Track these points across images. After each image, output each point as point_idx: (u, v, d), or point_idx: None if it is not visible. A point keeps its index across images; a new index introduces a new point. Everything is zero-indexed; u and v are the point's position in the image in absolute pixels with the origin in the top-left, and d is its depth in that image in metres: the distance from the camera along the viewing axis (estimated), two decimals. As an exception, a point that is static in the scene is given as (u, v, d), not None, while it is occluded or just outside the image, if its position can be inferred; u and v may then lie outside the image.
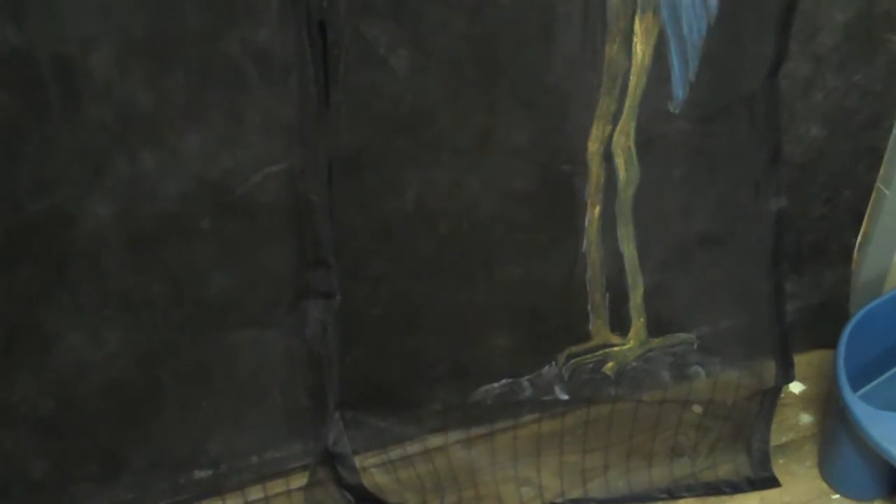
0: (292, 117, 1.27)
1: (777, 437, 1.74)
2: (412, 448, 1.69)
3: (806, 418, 1.79)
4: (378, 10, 1.20)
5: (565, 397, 1.65)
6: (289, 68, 1.23)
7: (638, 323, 1.59)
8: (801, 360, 1.72)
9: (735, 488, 1.67)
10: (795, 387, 1.83)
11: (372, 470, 1.68)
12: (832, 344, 1.57)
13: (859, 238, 1.71)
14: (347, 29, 1.22)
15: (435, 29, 1.23)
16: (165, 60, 1.17)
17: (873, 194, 1.64)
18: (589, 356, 1.62)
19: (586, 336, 1.60)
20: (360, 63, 1.24)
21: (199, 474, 1.58)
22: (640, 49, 1.30)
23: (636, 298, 1.56)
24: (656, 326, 1.62)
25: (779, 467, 1.70)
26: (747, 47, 1.36)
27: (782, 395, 1.71)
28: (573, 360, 1.62)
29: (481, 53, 1.26)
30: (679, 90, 1.36)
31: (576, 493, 1.67)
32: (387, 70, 1.25)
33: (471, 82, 1.29)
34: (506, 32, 1.25)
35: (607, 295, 1.56)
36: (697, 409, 1.74)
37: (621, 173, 1.42)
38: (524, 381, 1.63)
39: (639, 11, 1.27)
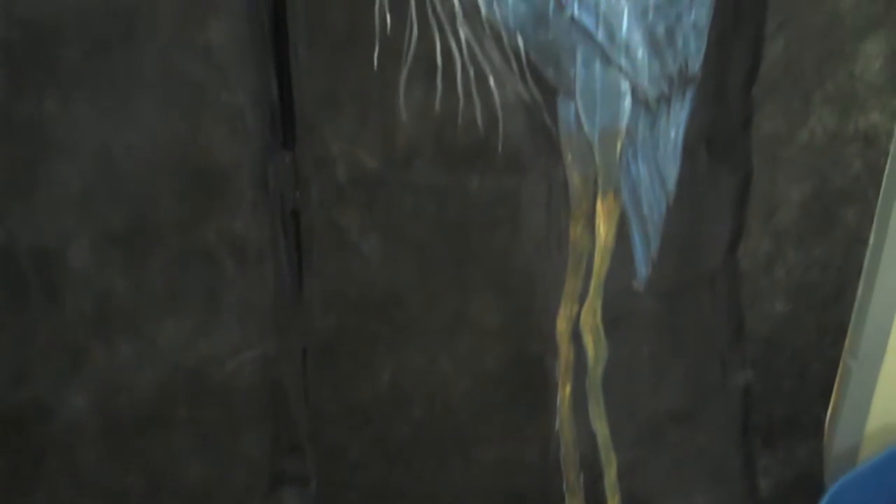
0: (267, 304, 1.30)
1: None
2: None
3: None
4: (350, 198, 1.25)
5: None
6: (263, 256, 1.27)
7: (613, 501, 1.59)
8: (779, 536, 1.71)
9: None
10: (775, 564, 1.81)
11: None
12: (809, 519, 1.56)
13: (829, 411, 1.72)
14: (320, 217, 1.26)
15: (406, 215, 1.28)
16: (143, 251, 1.20)
17: (840, 367, 1.67)
18: (568, 539, 1.61)
19: (564, 517, 1.59)
20: (332, 249, 1.28)
21: None
22: (604, 229, 1.35)
23: (610, 476, 1.56)
24: (631, 505, 1.61)
25: None
26: (706, 225, 1.41)
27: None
28: (552, 543, 1.61)
29: (451, 238, 1.31)
30: (643, 268, 1.40)
31: None
32: (359, 256, 1.29)
33: (441, 266, 1.33)
34: (474, 218, 1.30)
35: (582, 474, 1.56)
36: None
37: (590, 352, 1.45)
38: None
39: (600, 193, 1.32)
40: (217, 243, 1.23)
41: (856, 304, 1.58)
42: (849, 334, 1.61)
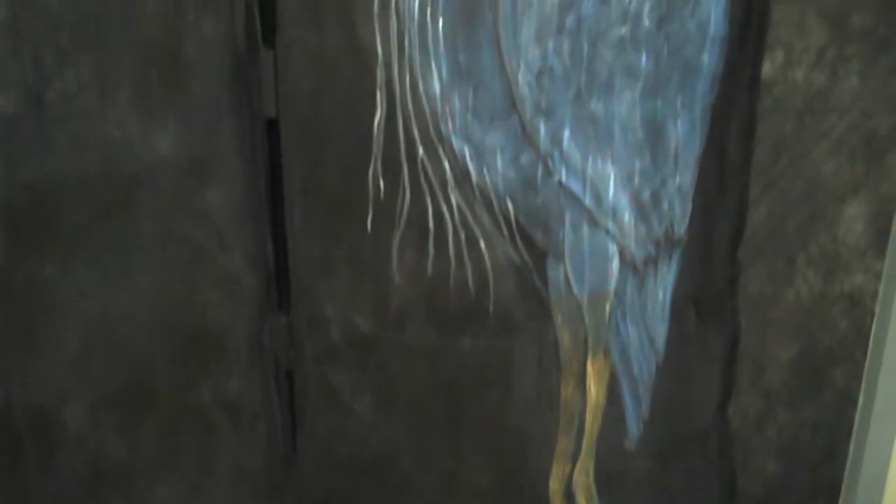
0: (260, 466, 1.30)
1: None
2: None
3: None
4: (343, 358, 1.27)
5: None
6: (257, 417, 1.28)
7: None
8: None
9: None
10: None
11: None
12: None
13: (827, 572, 1.71)
14: (313, 377, 1.28)
15: (398, 376, 1.30)
16: (138, 412, 1.21)
17: (836, 527, 1.66)
18: None
19: None
20: (326, 409, 1.30)
21: None
22: (594, 389, 1.36)
23: None
24: None
25: None
26: (696, 384, 1.43)
27: None
28: None
29: (443, 398, 1.32)
30: (633, 427, 1.41)
31: None
32: (352, 415, 1.30)
33: (434, 426, 1.34)
34: (466, 378, 1.32)
35: None
36: None
37: (584, 511, 1.45)
38: None
39: (590, 353, 1.34)
40: (211, 404, 1.24)
41: (848, 464, 1.58)
42: (842, 494, 1.60)
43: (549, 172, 1.23)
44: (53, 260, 1.20)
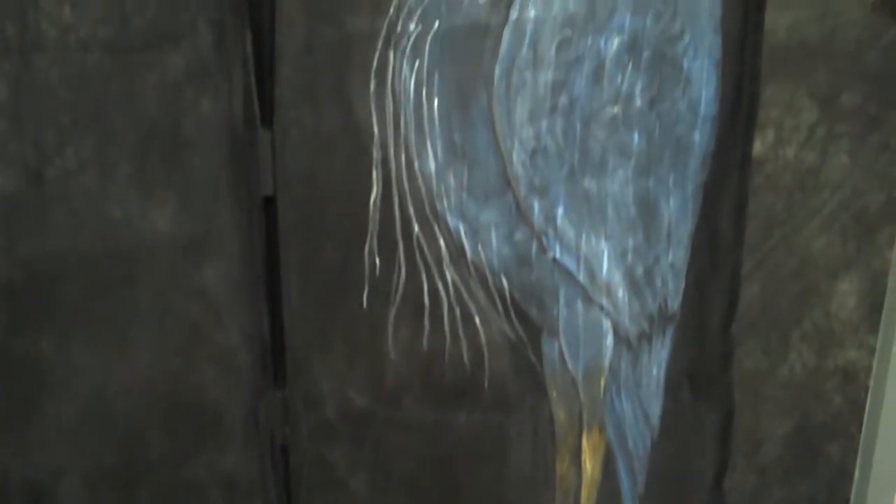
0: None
1: None
2: None
3: None
4: (339, 434, 1.28)
5: None
6: (252, 492, 1.28)
7: None
8: None
9: None
10: None
11: None
12: None
13: None
14: (309, 453, 1.28)
15: (394, 452, 1.30)
16: (134, 487, 1.21)
17: None
18: None
19: None
20: (321, 485, 1.30)
21: None
22: (590, 465, 1.37)
23: None
24: None
25: None
26: (691, 460, 1.43)
27: None
28: None
29: (439, 474, 1.32)
30: (629, 502, 1.41)
31: None
32: (347, 492, 1.30)
33: (430, 502, 1.34)
34: (462, 453, 1.32)
35: None
36: None
37: (581, 588, 1.44)
38: None
39: (585, 429, 1.34)
40: (207, 480, 1.25)
41: (846, 539, 1.58)
42: (840, 569, 1.60)
43: (543, 249, 1.24)
44: (51, 335, 1.21)
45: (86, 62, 1.15)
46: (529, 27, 1.19)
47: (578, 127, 1.21)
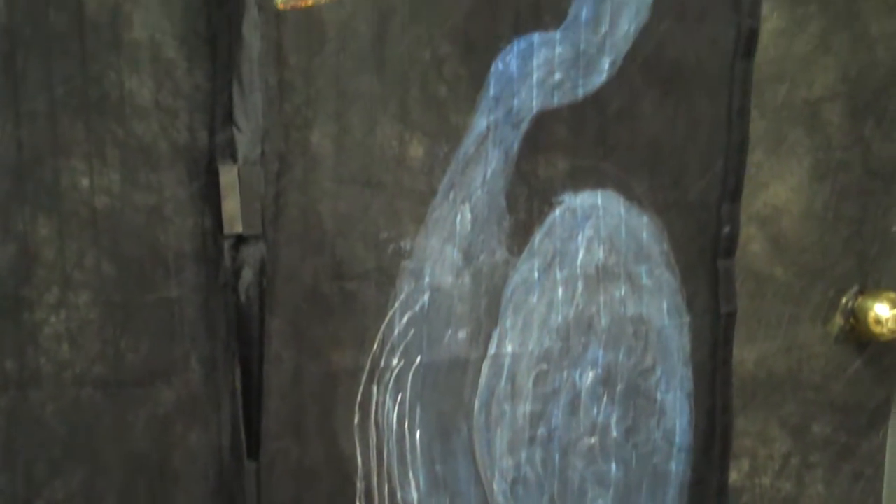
0: None
1: None
2: None
3: None
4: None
5: None
6: None
7: None
8: None
9: None
10: None
11: None
12: None
13: None
14: None
15: None
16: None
17: None
18: None
19: None
20: None
21: None
22: None
23: None
24: None
25: None
26: None
27: None
28: None
29: None
30: None
31: None
32: None
33: None
34: None
35: None
36: None
37: None
38: None
39: None
40: None
41: None
42: None
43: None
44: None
45: (80, 397, 1.19)
46: (507, 361, 1.25)
47: (557, 457, 1.25)
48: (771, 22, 1.26)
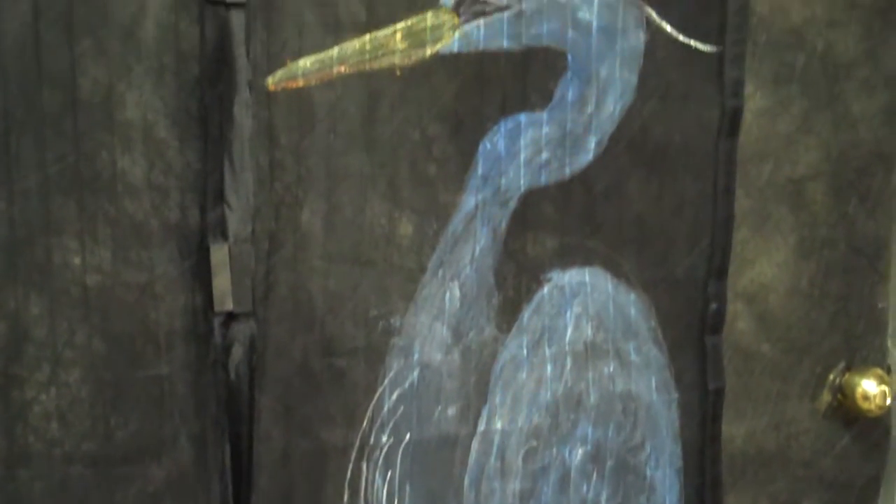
0: None
1: None
2: None
3: None
4: None
5: None
6: None
7: None
8: None
9: None
10: None
11: None
12: None
13: None
14: None
15: None
16: None
17: None
18: None
19: None
20: None
21: None
22: None
23: None
24: None
25: None
26: None
27: None
28: None
29: None
30: None
31: None
32: None
33: None
34: None
35: None
36: None
37: None
38: None
39: None
40: None
41: None
42: None
43: None
44: None
45: (69, 475, 1.19)
46: (497, 438, 1.25)
47: (548, 535, 1.24)
48: (754, 102, 1.27)
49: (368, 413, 1.22)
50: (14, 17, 1.07)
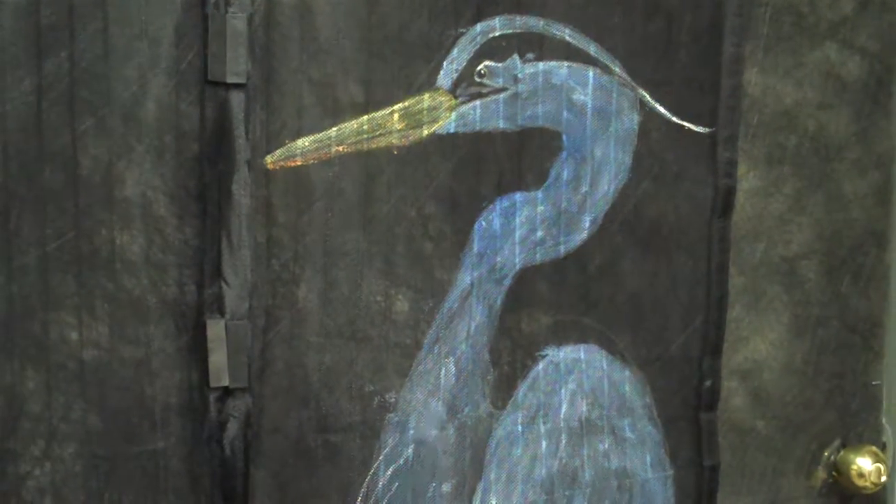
0: None
1: None
2: None
3: None
4: None
5: None
6: None
7: None
8: None
9: None
10: None
11: None
12: None
13: None
14: None
15: None
16: None
17: None
18: None
19: None
20: None
21: None
22: None
23: None
24: None
25: None
26: None
27: None
28: None
29: None
30: None
31: None
32: None
33: None
34: None
35: None
36: None
37: None
38: None
39: None
40: None
41: None
42: None
43: None
44: None
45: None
46: (491, 517, 1.25)
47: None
48: (747, 182, 1.29)
49: (363, 489, 1.23)
50: (17, 96, 1.08)
